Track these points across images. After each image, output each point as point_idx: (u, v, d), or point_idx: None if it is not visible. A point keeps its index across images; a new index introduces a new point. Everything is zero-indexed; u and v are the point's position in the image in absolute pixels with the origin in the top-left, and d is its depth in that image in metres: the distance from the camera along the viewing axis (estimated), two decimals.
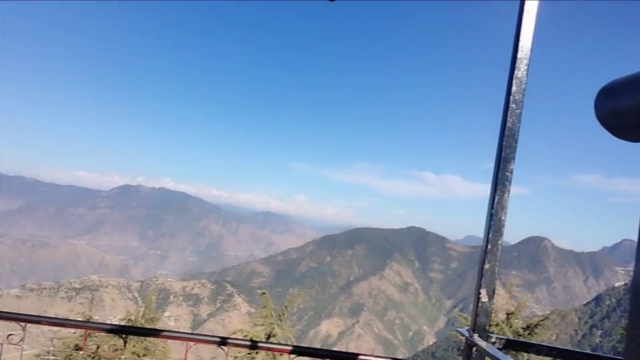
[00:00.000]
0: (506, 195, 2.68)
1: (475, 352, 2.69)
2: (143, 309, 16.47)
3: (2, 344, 4.51)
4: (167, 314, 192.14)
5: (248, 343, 5.14)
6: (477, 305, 2.71)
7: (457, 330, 3.16)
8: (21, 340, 4.50)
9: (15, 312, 4.62)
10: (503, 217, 2.69)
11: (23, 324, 4.44)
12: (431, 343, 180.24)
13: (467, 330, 2.84)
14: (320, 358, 4.60)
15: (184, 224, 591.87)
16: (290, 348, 4.59)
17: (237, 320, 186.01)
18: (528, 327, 15.32)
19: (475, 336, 2.68)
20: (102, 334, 10.46)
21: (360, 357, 4.31)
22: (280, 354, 12.73)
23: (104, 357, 12.62)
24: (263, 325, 14.76)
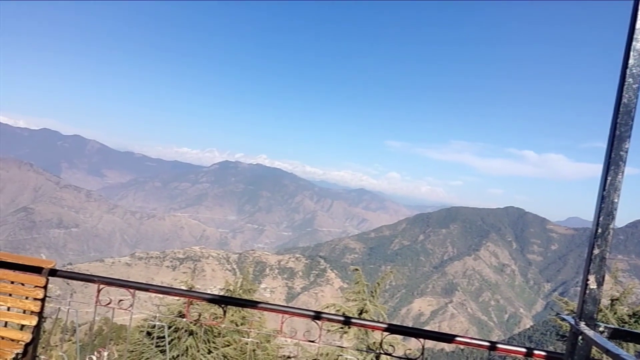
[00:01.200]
0: (619, 176, 2.50)
1: (581, 341, 2.56)
2: (241, 280, 17.00)
3: (113, 309, 4.83)
4: (263, 285, 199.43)
5: (342, 318, 5.15)
6: (585, 292, 2.57)
7: (563, 318, 3.01)
8: (131, 305, 4.81)
9: (126, 279, 4.94)
10: (616, 200, 2.51)
11: (133, 290, 4.74)
12: (528, 326, 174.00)
13: (573, 317, 2.72)
14: (415, 337, 4.52)
15: (279, 199, 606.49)
16: (384, 326, 4.55)
17: (330, 294, 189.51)
18: (634, 314, 14.36)
19: (582, 324, 2.54)
20: (204, 302, 10.98)
21: (458, 338, 4.19)
22: (373, 331, 12.78)
23: (205, 325, 13.29)
24: (355, 300, 14.82)
